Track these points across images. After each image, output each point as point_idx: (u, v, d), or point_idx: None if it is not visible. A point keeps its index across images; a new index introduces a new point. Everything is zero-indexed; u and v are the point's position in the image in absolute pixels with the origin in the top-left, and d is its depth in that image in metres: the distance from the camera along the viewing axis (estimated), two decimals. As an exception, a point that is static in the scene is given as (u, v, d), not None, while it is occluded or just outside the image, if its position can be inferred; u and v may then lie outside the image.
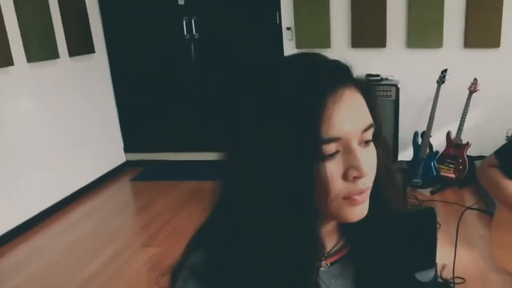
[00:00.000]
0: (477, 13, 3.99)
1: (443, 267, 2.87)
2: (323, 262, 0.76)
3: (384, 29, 4.21)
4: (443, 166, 4.07)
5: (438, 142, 4.14)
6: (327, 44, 4.31)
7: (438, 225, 3.34)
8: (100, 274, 3.08)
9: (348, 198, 0.67)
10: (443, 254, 2.92)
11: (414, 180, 4.04)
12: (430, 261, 0.52)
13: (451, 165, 4.05)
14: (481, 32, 4.02)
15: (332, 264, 0.77)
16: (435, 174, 4.04)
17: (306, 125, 0.62)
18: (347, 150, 0.65)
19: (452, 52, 4.14)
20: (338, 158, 0.65)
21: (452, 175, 4.03)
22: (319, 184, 0.64)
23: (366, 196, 0.69)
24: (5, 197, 3.55)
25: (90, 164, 4.55)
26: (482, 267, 2.91)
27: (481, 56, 4.10)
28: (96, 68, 4.68)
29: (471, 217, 3.44)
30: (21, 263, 3.29)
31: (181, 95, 4.88)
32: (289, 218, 0.65)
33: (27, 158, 3.77)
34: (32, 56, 3.76)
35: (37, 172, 3.89)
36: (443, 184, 4.04)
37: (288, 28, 4.41)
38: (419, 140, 4.09)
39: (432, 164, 4.04)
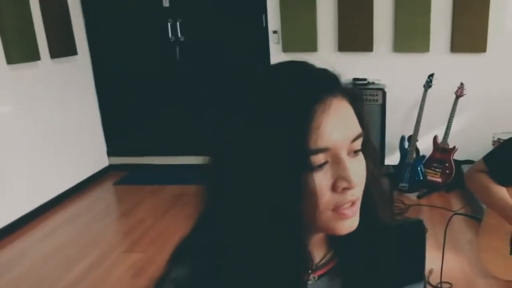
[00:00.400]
0: (463, 18, 4.01)
1: (430, 271, 2.86)
2: (311, 275, 0.74)
3: (371, 33, 4.20)
4: (429, 171, 4.07)
5: (424, 146, 4.15)
6: (313, 47, 4.29)
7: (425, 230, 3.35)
8: (83, 280, 3.02)
9: (337, 212, 0.65)
10: (430, 259, 2.90)
11: (401, 184, 4.03)
12: (418, 275, 0.49)
13: (437, 170, 4.04)
14: (467, 37, 4.04)
15: (320, 277, 0.75)
16: (421, 178, 4.03)
17: (294, 135, 0.61)
18: (336, 161, 0.63)
19: (438, 56, 4.15)
20: (327, 169, 0.63)
21: (439, 180, 4.03)
22: (307, 196, 0.63)
23: (356, 209, 0.67)
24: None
25: (72, 168, 4.47)
26: (469, 271, 2.91)
27: (467, 60, 4.12)
28: (78, 70, 4.60)
29: (457, 221, 3.43)
30: (1, 270, 3.20)
31: (165, 99, 4.82)
32: (276, 230, 0.64)
33: (7, 162, 3.68)
34: (12, 58, 3.67)
35: (18, 176, 3.80)
36: (429, 188, 4.04)
37: (275, 32, 4.38)
38: (406, 144, 4.09)
39: (418, 168, 4.03)
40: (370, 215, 0.72)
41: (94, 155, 4.85)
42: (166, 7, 4.55)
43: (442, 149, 4.04)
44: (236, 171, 0.65)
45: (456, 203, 3.84)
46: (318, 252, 0.75)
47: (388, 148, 4.23)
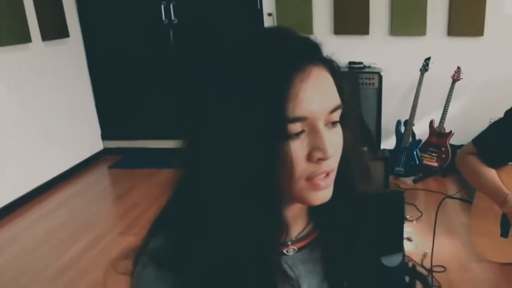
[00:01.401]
0: (461, 1, 3.96)
1: (424, 255, 2.88)
2: (290, 247, 0.74)
3: (367, 16, 4.16)
4: (426, 155, 4.06)
5: (421, 130, 4.14)
6: (309, 30, 4.24)
7: (420, 214, 3.36)
8: (77, 262, 3.03)
9: (311, 182, 0.65)
10: (424, 243, 2.94)
11: (397, 168, 4.03)
12: (397, 246, 0.52)
13: (433, 154, 4.04)
14: (464, 21, 4.00)
15: (300, 249, 0.75)
16: (417, 162, 4.03)
17: (272, 103, 0.60)
18: (313, 131, 0.63)
19: (435, 40, 4.11)
20: (303, 138, 0.63)
21: (435, 164, 4.03)
22: (283, 163, 0.63)
23: (330, 181, 0.67)
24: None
25: (66, 151, 4.45)
26: (463, 255, 2.91)
27: (464, 44, 4.08)
28: (71, 53, 4.55)
29: (452, 205, 3.44)
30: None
31: (159, 82, 4.78)
32: (251, 199, 0.63)
33: (3, 146, 3.68)
34: (3, 39, 3.62)
35: (12, 159, 3.78)
36: (425, 172, 4.04)
37: (270, 14, 4.33)
38: (402, 129, 4.08)
39: (414, 152, 4.03)
40: (349, 187, 0.72)
41: (88, 139, 4.83)
42: (159, -11, 4.50)
43: (438, 134, 4.03)
44: (212, 139, 0.64)
45: (452, 188, 3.84)
46: (298, 224, 0.76)
47: (384, 132, 4.21)
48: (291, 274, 0.71)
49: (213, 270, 0.65)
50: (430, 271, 2.71)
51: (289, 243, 0.74)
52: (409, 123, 4.00)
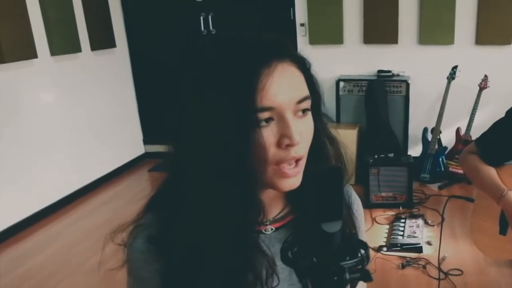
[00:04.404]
0: (489, 10, 3.99)
1: (443, 259, 2.90)
2: (269, 227, 0.82)
3: (396, 26, 4.24)
4: (452, 162, 4.09)
5: (448, 138, 4.17)
6: (339, 40, 4.37)
7: (442, 219, 3.37)
8: (114, 256, 3.21)
9: (280, 169, 0.72)
10: (444, 247, 2.96)
11: (423, 175, 4.07)
12: (336, 214, 0.58)
13: (460, 161, 4.05)
14: (492, 29, 4.02)
15: (277, 229, 0.82)
16: (443, 169, 4.06)
17: (242, 94, 0.68)
18: (281, 119, 0.70)
19: (463, 48, 4.14)
20: (273, 126, 0.70)
21: (461, 171, 4.03)
22: (255, 149, 0.69)
23: (299, 169, 0.73)
24: (30, 183, 3.73)
25: (111, 154, 4.71)
26: (482, 260, 2.91)
27: (492, 53, 4.09)
28: (117, 62, 4.83)
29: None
30: (42, 244, 3.48)
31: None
32: (228, 182, 0.70)
33: (51, 147, 3.95)
34: (55, 49, 3.92)
35: (61, 160, 4.05)
36: (451, 179, 4.06)
37: (302, 24, 4.48)
38: (429, 136, 4.12)
39: (440, 159, 4.06)
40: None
41: (131, 143, 5.08)
42: (199, 2, 4.74)
43: (464, 141, 4.03)
44: (192, 130, 0.72)
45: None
46: (275, 207, 0.83)
47: (411, 139, 4.27)
48: (267, 251, 0.77)
49: (192, 246, 0.72)
50: (439, 270, 2.73)
51: (268, 222, 0.81)
52: (435, 130, 4.05)
